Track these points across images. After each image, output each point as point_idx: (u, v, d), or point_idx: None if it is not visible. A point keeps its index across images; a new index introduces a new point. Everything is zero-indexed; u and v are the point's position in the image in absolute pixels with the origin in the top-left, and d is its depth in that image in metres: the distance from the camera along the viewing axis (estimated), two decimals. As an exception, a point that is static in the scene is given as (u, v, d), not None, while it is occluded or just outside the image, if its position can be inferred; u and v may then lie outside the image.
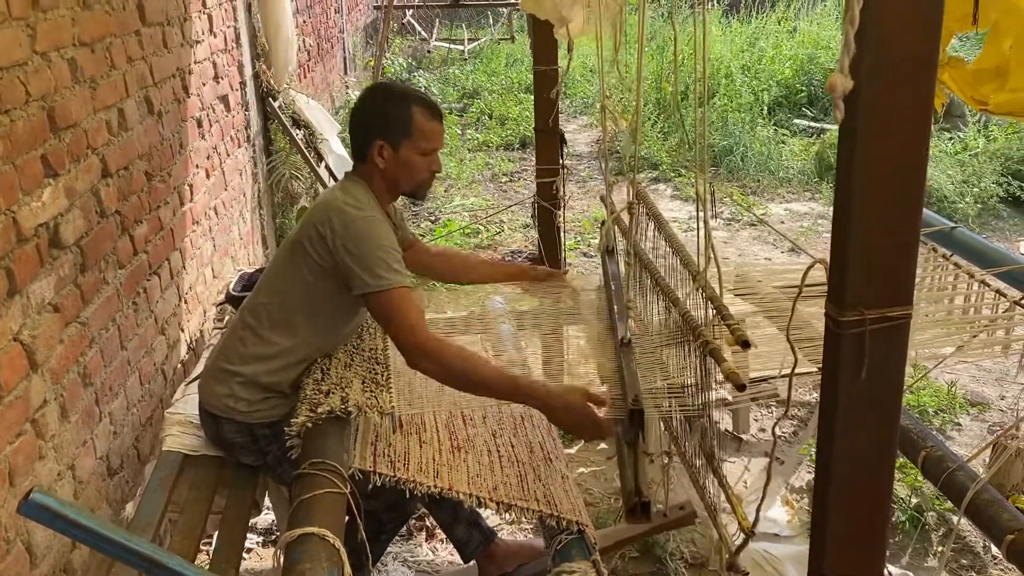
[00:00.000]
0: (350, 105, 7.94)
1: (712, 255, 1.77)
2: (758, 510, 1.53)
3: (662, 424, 2.48)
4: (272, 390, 2.12)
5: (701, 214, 1.76)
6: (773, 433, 1.47)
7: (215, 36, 3.74)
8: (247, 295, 2.26)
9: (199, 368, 2.63)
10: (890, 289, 1.09)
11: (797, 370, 1.38)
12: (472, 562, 2.41)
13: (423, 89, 9.76)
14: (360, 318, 2.29)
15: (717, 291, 1.85)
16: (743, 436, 3.31)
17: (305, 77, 6.15)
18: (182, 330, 3.05)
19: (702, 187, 1.79)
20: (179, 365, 2.98)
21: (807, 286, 1.35)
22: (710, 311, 1.83)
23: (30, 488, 1.28)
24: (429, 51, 11.59)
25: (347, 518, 1.80)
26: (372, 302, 1.99)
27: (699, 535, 2.75)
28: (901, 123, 1.02)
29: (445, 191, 6.55)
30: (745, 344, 1.63)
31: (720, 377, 1.93)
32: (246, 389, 2.11)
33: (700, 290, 1.88)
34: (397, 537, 2.74)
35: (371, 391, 2.13)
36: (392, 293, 1.96)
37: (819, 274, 1.21)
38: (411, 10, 12.17)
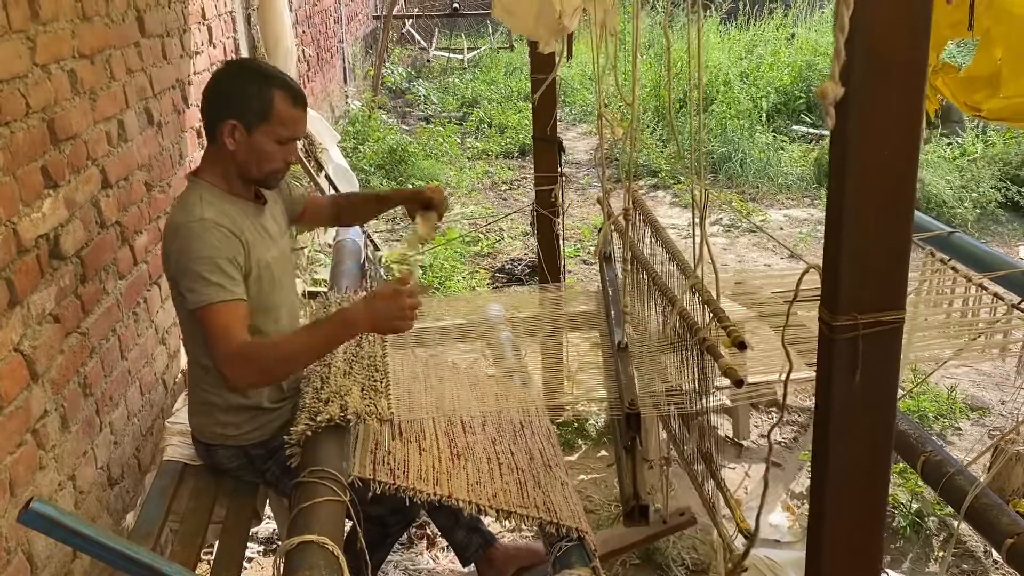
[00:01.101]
0: (350, 115, 8.00)
1: (710, 260, 1.78)
2: (758, 517, 1.53)
3: (662, 428, 2.49)
4: (255, 409, 2.11)
5: (698, 218, 1.77)
6: (768, 440, 1.47)
7: (215, 47, 3.76)
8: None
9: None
10: (883, 293, 1.10)
11: (798, 375, 1.38)
12: (471, 566, 2.41)
13: (423, 98, 9.83)
14: (278, 314, 2.14)
15: (714, 295, 1.86)
16: (743, 442, 3.32)
17: (305, 87, 6.17)
18: (182, 340, 3.05)
19: (699, 192, 1.80)
20: (179, 375, 2.99)
21: (806, 291, 1.36)
22: (707, 314, 1.84)
23: (30, 498, 1.28)
24: (429, 60, 11.64)
25: (350, 524, 1.81)
26: (198, 319, 1.89)
27: (700, 542, 2.75)
28: (892, 129, 1.03)
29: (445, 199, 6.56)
30: (741, 345, 1.64)
31: (718, 381, 1.94)
32: (229, 415, 2.10)
33: (696, 293, 1.89)
34: (398, 545, 2.74)
35: (370, 398, 2.14)
36: (207, 309, 1.86)
37: (817, 279, 1.21)
38: (410, 20, 12.23)
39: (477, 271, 5.20)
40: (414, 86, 10.34)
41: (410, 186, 6.71)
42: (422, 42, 12.12)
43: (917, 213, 3.13)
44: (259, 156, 1.98)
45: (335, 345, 2.02)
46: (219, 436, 2.12)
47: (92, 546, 1.38)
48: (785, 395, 1.38)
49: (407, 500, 1.91)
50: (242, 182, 2.05)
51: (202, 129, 2.05)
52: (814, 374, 1.26)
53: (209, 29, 3.69)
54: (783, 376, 1.35)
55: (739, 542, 2.02)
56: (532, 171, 3.67)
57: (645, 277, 2.35)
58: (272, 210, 2.18)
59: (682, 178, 6.67)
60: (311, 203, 2.40)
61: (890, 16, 0.99)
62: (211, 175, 2.03)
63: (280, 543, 2.40)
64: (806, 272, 1.21)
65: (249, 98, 1.94)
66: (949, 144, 6.67)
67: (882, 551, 1.28)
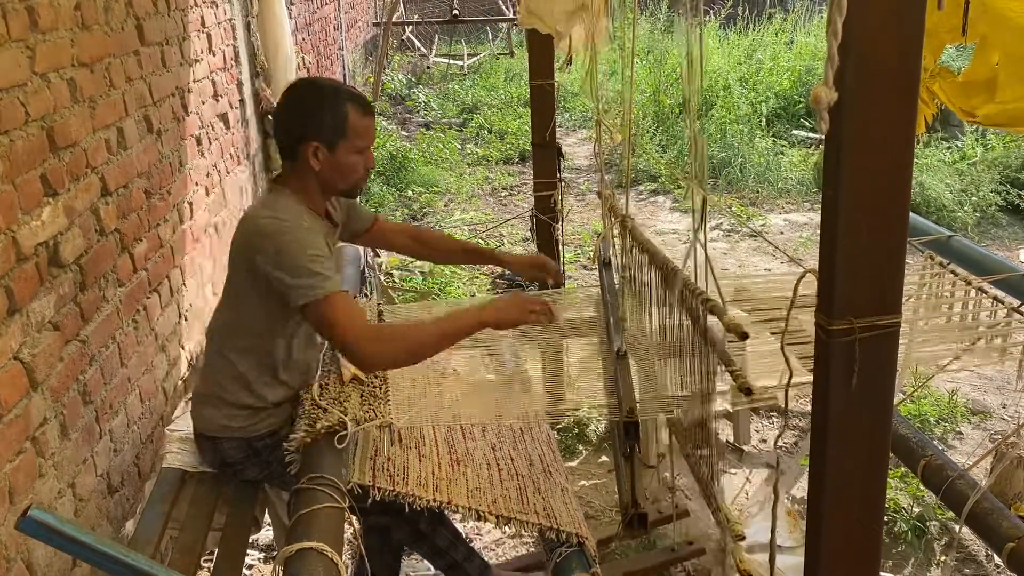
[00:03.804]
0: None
1: (708, 268, 1.77)
2: (773, 533, 1.51)
3: (663, 431, 2.48)
4: (260, 407, 2.11)
5: (703, 227, 1.77)
6: (775, 447, 1.46)
7: (214, 55, 3.77)
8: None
9: (199, 385, 2.64)
10: (879, 297, 1.10)
11: (798, 380, 1.38)
12: None
13: (423, 104, 9.84)
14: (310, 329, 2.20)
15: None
16: (744, 447, 3.31)
17: (305, 94, 6.18)
18: (182, 347, 3.06)
19: (698, 198, 1.80)
20: (179, 382, 2.99)
21: (805, 295, 1.36)
22: (704, 314, 1.82)
23: (28, 505, 1.28)
24: (428, 67, 11.66)
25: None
26: (309, 313, 1.92)
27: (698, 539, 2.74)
28: (886, 134, 1.03)
29: (445, 206, 6.58)
30: (743, 335, 1.61)
31: (720, 388, 1.94)
32: (236, 408, 2.10)
33: (691, 291, 1.88)
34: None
35: (370, 405, 2.14)
36: (327, 300, 1.89)
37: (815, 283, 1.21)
38: (410, 26, 12.25)
39: (477, 276, 5.20)
40: (414, 92, 10.36)
41: (410, 192, 6.72)
42: (422, 48, 12.14)
43: (917, 217, 3.13)
44: (342, 170, 2.05)
45: (463, 335, 2.03)
46: (225, 428, 2.11)
47: (91, 554, 1.38)
48: (787, 402, 1.38)
49: (407, 507, 1.91)
50: (321, 198, 2.11)
51: (281, 150, 2.09)
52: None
53: (208, 37, 3.70)
54: (784, 382, 1.35)
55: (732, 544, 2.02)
56: (532, 177, 3.68)
57: (643, 258, 2.33)
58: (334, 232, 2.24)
59: (682, 183, 6.68)
60: (381, 225, 2.46)
61: (883, 22, 0.99)
62: (293, 189, 2.07)
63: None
64: (802, 277, 1.21)
65: (325, 117, 2.00)
66: (949, 148, 6.67)
67: (880, 554, 1.27)
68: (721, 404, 2.95)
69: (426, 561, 2.75)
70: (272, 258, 1.91)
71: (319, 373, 2.20)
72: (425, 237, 2.58)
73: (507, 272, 5.18)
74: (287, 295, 1.92)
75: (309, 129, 2.00)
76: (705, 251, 1.70)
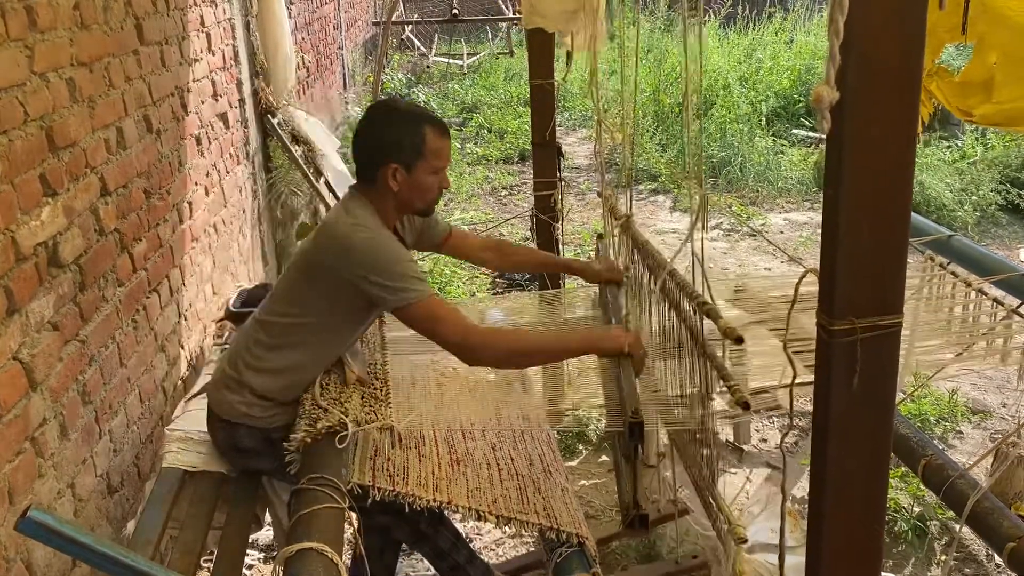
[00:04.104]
0: (350, 121, 7.99)
1: (703, 269, 1.77)
2: (782, 533, 1.51)
3: (665, 435, 2.47)
4: (285, 400, 2.13)
5: (698, 224, 1.76)
6: (781, 449, 1.46)
7: (213, 54, 3.77)
8: (247, 311, 2.27)
9: (199, 384, 2.63)
10: (881, 297, 1.10)
11: (799, 379, 1.37)
12: None
13: (422, 104, 9.83)
14: (369, 325, 2.30)
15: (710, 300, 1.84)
16: (744, 447, 3.31)
17: (304, 94, 6.18)
18: (182, 347, 3.05)
19: (697, 198, 1.79)
20: (179, 382, 2.99)
21: (806, 296, 1.36)
22: (700, 320, 1.82)
23: (28, 506, 1.28)
24: (428, 66, 11.65)
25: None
26: (406, 316, 2.00)
27: (701, 547, 2.74)
28: (887, 133, 1.03)
29: (445, 205, 6.57)
30: (738, 339, 1.62)
31: (720, 388, 1.93)
32: (260, 398, 2.12)
33: (686, 295, 1.87)
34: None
35: (370, 406, 2.14)
36: (424, 303, 1.97)
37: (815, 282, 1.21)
38: (410, 26, 12.24)
39: (477, 276, 5.20)
40: (414, 92, 10.35)
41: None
42: (422, 48, 12.13)
43: (917, 217, 3.13)
44: (420, 190, 2.11)
45: (567, 355, 2.20)
46: (243, 416, 2.12)
47: (91, 554, 1.38)
48: (792, 403, 1.38)
49: (407, 507, 1.91)
50: (395, 217, 2.17)
51: (357, 172, 2.15)
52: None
53: (208, 36, 3.69)
54: (783, 382, 1.34)
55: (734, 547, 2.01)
56: (532, 176, 3.67)
57: (641, 264, 2.34)
58: None
59: (682, 183, 6.67)
60: (457, 235, 2.53)
61: (885, 21, 0.99)
62: (370, 202, 2.11)
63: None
64: (803, 276, 1.21)
65: (403, 139, 2.06)
66: (948, 147, 6.67)
67: (882, 555, 1.27)
68: (721, 404, 2.95)
69: (427, 562, 2.75)
70: (365, 267, 1.98)
71: (319, 373, 2.20)
72: (504, 248, 2.67)
73: (507, 272, 5.18)
74: (377, 302, 2.02)
75: (389, 151, 2.06)
76: (698, 254, 1.70)
